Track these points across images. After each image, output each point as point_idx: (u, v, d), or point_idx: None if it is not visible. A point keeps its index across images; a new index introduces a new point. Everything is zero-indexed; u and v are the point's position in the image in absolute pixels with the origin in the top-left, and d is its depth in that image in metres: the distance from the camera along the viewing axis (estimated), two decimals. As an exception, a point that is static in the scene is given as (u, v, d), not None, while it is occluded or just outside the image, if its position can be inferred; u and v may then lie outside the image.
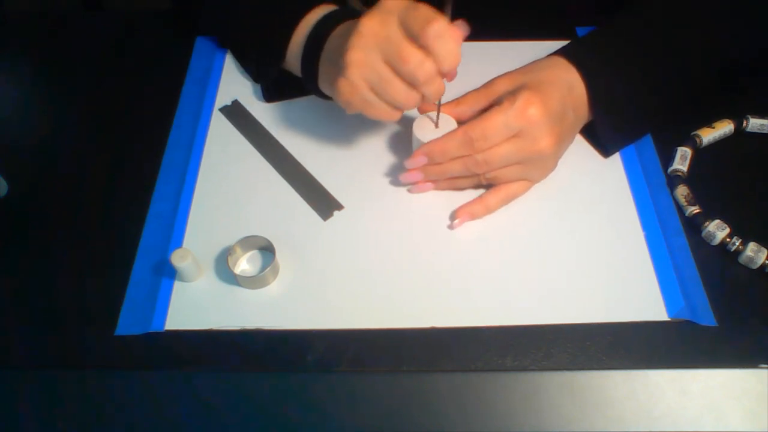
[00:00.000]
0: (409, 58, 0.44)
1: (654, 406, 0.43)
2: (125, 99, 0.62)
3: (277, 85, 0.59)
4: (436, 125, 0.52)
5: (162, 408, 0.43)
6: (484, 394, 0.43)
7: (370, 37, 0.44)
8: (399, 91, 0.46)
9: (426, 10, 0.43)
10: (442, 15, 0.43)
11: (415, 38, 0.43)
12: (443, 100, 0.53)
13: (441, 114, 0.52)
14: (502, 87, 0.52)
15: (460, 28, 0.44)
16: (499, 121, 0.48)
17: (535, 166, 0.51)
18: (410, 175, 0.52)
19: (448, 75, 0.46)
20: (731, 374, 0.44)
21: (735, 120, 0.56)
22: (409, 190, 0.54)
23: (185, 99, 0.61)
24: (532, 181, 0.53)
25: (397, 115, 0.48)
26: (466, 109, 0.53)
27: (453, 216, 0.52)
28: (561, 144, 0.51)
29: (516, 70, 0.53)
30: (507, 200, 0.52)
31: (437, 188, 0.54)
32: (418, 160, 0.51)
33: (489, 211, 0.52)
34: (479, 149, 0.48)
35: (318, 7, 0.54)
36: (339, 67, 0.46)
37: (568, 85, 0.51)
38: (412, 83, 0.45)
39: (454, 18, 0.45)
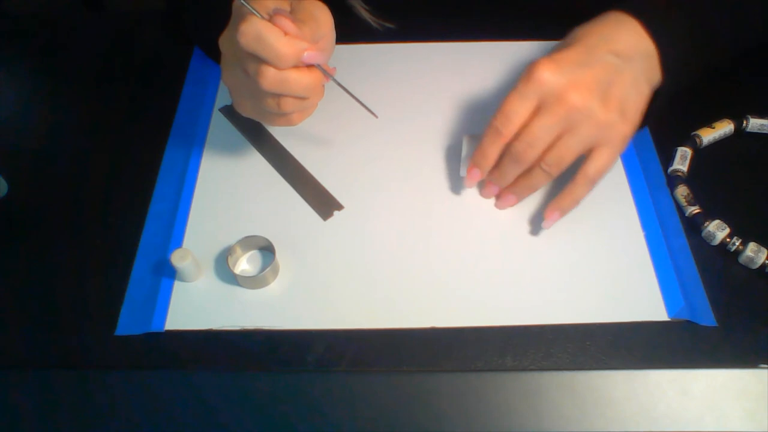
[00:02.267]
0: (248, 70, 0.43)
1: (654, 406, 0.43)
2: (125, 100, 0.62)
3: None
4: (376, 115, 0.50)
5: (162, 408, 0.43)
6: (484, 394, 0.43)
7: (229, 57, 0.44)
8: (270, 103, 0.44)
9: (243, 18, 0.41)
10: (252, 16, 0.42)
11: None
12: None
13: None
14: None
15: (283, 17, 0.42)
16: (513, 96, 0.46)
17: (589, 125, 0.46)
18: (486, 191, 0.52)
19: (306, 60, 0.43)
20: (731, 374, 0.44)
21: (735, 120, 0.56)
22: (496, 206, 0.53)
23: (185, 99, 0.61)
24: (605, 144, 0.47)
25: (298, 119, 0.47)
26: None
27: (543, 216, 0.50)
28: (607, 90, 0.46)
29: (561, 55, 0.47)
30: (593, 180, 0.48)
31: (519, 196, 0.52)
32: (472, 174, 0.50)
33: (577, 200, 0.49)
34: (509, 134, 0.47)
35: None
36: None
37: (602, 32, 0.48)
38: (264, 91, 0.43)
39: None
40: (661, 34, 0.48)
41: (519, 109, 0.46)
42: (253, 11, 0.42)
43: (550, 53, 0.47)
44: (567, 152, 0.47)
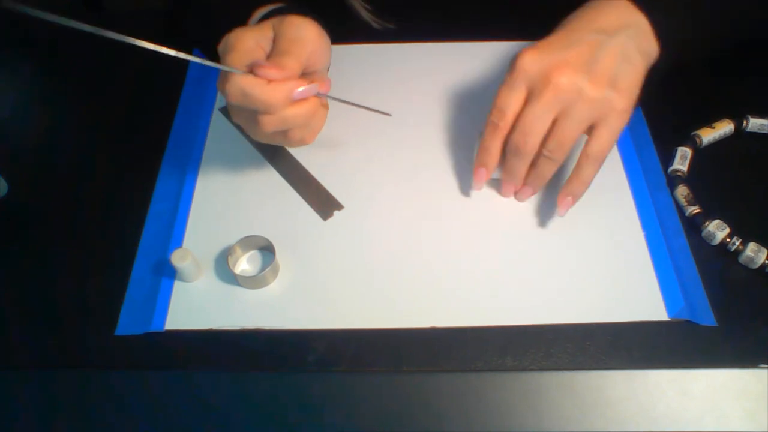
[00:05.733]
0: (248, 120, 0.45)
1: (654, 406, 0.43)
2: (125, 99, 0.62)
3: None
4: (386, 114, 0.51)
5: (162, 408, 0.43)
6: (484, 394, 0.43)
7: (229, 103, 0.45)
8: (279, 138, 0.46)
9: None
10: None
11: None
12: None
13: None
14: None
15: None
16: (503, 91, 0.47)
17: (582, 104, 0.45)
18: (503, 190, 0.53)
19: (303, 95, 0.44)
20: (731, 374, 0.44)
21: (735, 120, 0.56)
22: (517, 199, 0.53)
23: (185, 99, 0.61)
24: (604, 121, 0.46)
25: (310, 139, 0.48)
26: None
27: (556, 204, 0.50)
28: (592, 62, 0.45)
29: (543, 42, 0.48)
30: (597, 161, 0.47)
31: (533, 187, 0.52)
32: (479, 174, 0.51)
33: (587, 182, 0.48)
34: (505, 125, 0.47)
35: (266, 5, 0.52)
36: None
37: (586, 12, 0.48)
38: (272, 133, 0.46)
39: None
40: (651, 5, 0.47)
41: (510, 101, 0.47)
42: (232, 70, 0.42)
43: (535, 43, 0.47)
44: (565, 136, 0.46)
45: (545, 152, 0.48)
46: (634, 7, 0.47)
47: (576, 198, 0.49)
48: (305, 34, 0.45)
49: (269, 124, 0.44)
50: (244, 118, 0.46)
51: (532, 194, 0.53)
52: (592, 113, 0.46)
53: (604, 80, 0.45)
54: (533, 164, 0.50)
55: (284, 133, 0.46)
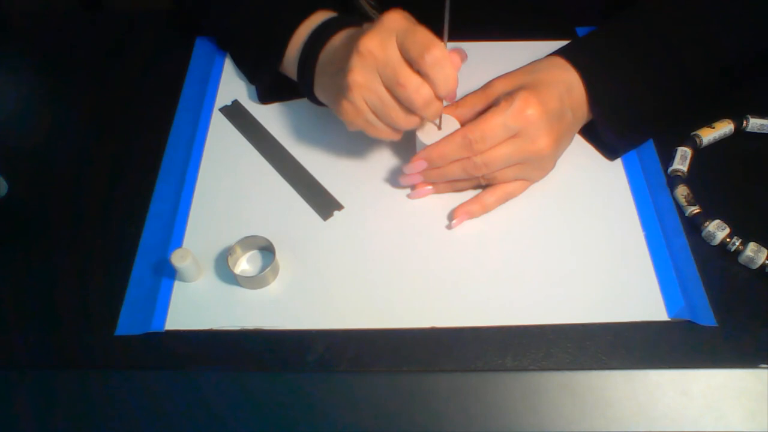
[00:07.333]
0: (406, 84, 0.44)
1: (654, 406, 0.43)
2: (125, 99, 0.62)
3: (272, 87, 0.59)
4: (439, 127, 0.52)
5: (162, 408, 0.43)
6: (484, 394, 0.43)
7: (370, 59, 0.45)
8: (399, 115, 0.47)
9: (425, 35, 0.44)
10: (439, 40, 0.44)
11: (412, 63, 0.44)
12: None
13: (444, 115, 0.52)
14: (500, 88, 0.52)
15: (458, 54, 0.45)
16: (497, 122, 0.48)
17: (534, 166, 0.51)
18: (410, 178, 0.52)
19: (446, 98, 0.47)
20: (731, 374, 0.44)
21: (735, 120, 0.56)
22: (408, 196, 0.54)
23: (185, 99, 0.61)
24: (531, 180, 0.53)
25: (398, 136, 0.49)
26: (465, 111, 0.53)
27: (451, 216, 0.52)
28: (560, 144, 0.51)
29: (514, 71, 0.53)
30: (504, 199, 0.52)
31: (437, 192, 0.53)
32: (417, 164, 0.51)
33: (486, 210, 0.52)
34: (478, 151, 0.48)
35: (318, 12, 0.54)
36: (341, 88, 0.47)
37: (567, 85, 0.51)
38: (409, 108, 0.46)
39: (452, 29, 0.46)
40: (598, 101, 0.52)
41: (498, 136, 0.48)
42: (445, 40, 0.46)
43: (535, 89, 0.49)
44: (506, 177, 0.51)
45: (482, 180, 0.51)
46: (585, 96, 0.52)
47: (471, 217, 0.52)
48: None
49: (424, 98, 0.45)
50: (386, 76, 0.45)
51: (425, 195, 0.53)
52: (535, 176, 0.53)
53: (557, 158, 0.53)
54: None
55: (407, 116, 0.47)
